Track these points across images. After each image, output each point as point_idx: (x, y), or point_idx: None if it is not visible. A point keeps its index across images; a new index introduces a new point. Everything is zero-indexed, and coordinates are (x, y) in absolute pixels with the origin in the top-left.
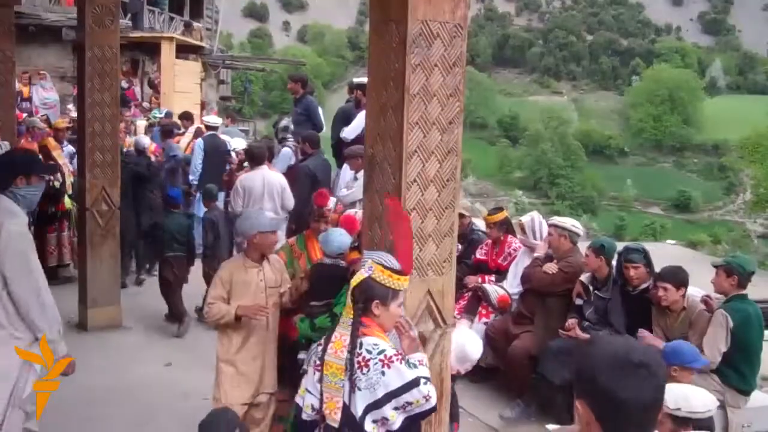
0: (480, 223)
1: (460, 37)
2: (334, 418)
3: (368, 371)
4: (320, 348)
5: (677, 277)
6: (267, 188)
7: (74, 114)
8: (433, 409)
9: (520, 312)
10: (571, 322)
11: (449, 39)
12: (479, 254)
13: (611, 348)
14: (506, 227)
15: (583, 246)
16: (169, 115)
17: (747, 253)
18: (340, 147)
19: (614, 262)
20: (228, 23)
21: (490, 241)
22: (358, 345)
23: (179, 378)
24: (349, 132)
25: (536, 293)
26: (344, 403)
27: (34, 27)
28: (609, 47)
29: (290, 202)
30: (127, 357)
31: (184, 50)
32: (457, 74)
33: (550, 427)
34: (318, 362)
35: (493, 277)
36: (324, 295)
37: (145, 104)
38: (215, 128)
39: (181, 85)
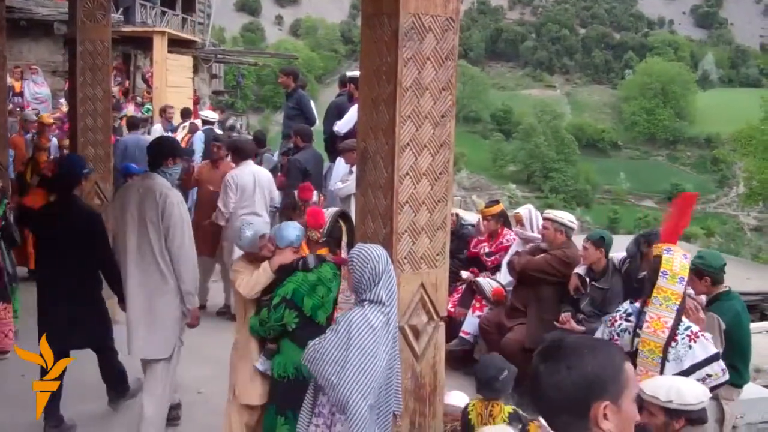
0: (468, 217)
1: (453, 30)
2: None
3: (676, 345)
4: (629, 324)
5: None
6: (258, 183)
7: (65, 108)
8: (726, 382)
9: (513, 305)
10: (566, 315)
11: (441, 32)
12: (474, 248)
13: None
14: (503, 220)
15: (576, 239)
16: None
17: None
18: (332, 141)
19: (617, 253)
20: (220, 17)
21: (486, 235)
22: None
23: None
24: (342, 126)
25: (528, 285)
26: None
27: (25, 21)
28: (602, 41)
29: (276, 196)
30: (119, 351)
31: (176, 44)
32: (450, 68)
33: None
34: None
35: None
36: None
37: (138, 99)
38: (212, 123)
39: (174, 80)
